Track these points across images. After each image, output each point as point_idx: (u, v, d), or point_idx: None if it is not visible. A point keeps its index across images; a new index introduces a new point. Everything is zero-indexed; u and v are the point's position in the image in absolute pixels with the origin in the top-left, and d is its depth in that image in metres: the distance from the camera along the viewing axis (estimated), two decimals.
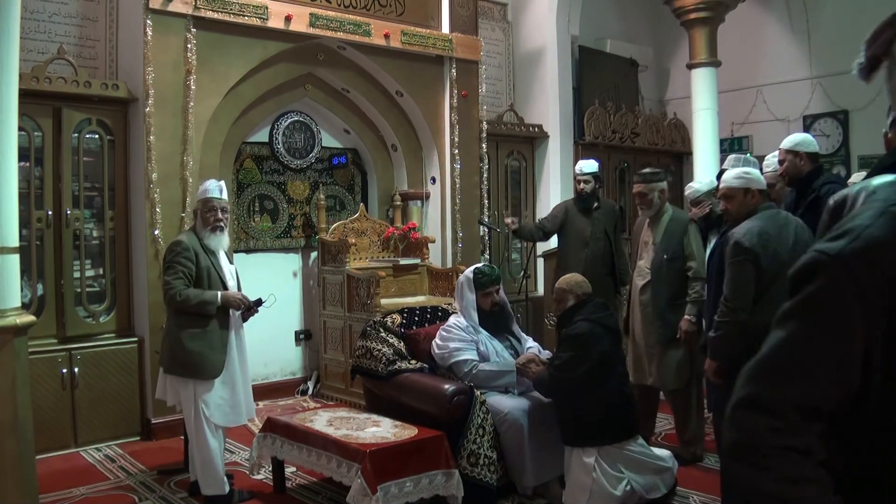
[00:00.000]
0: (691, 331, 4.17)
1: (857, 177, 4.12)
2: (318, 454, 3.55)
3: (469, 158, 6.57)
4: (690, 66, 7.14)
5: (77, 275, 4.86)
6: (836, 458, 1.04)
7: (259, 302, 3.85)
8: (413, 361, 4.10)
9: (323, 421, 3.81)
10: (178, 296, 3.61)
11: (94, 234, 5.00)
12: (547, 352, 4.14)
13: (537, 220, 5.81)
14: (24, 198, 4.30)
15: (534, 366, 3.84)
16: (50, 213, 4.73)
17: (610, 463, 3.48)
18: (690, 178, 6.84)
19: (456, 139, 6.45)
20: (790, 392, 1.05)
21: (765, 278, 3.00)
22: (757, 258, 2.97)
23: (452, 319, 4.17)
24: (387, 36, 5.96)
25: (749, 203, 3.17)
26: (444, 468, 3.47)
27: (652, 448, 3.78)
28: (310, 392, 6.09)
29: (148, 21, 4.82)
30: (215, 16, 5.10)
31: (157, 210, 4.88)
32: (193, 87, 5.04)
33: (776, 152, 3.92)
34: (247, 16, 5.24)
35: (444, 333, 4.08)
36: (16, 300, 3.28)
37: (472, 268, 4.25)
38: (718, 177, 3.94)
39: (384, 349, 4.10)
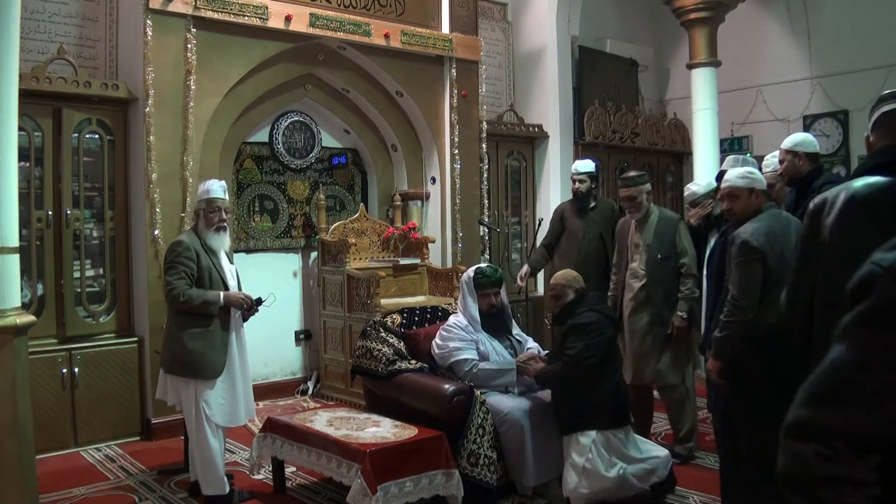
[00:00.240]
0: (683, 327, 4.24)
1: None
2: (318, 454, 3.56)
3: (469, 158, 6.57)
4: (690, 66, 7.14)
5: (77, 275, 4.86)
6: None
7: (259, 301, 3.85)
8: (413, 361, 4.10)
9: (323, 421, 3.81)
10: (181, 296, 3.61)
11: (94, 234, 5.00)
12: (547, 352, 4.15)
13: (538, 245, 5.82)
14: (24, 198, 4.30)
15: (533, 363, 3.84)
16: (50, 213, 4.73)
17: (606, 448, 3.53)
18: (690, 178, 6.84)
19: (456, 139, 6.45)
20: (838, 419, 0.96)
21: (770, 278, 2.99)
22: (765, 258, 2.97)
23: (452, 319, 4.17)
24: (387, 36, 5.96)
25: (753, 203, 3.18)
26: (444, 468, 3.47)
27: (645, 441, 3.84)
28: (310, 392, 6.09)
29: (148, 21, 4.82)
30: (215, 16, 5.10)
31: (157, 210, 4.88)
32: (193, 87, 5.04)
33: (776, 152, 3.91)
34: (247, 16, 5.24)
35: (444, 333, 4.08)
36: (16, 300, 3.28)
37: (473, 268, 4.25)
38: (718, 178, 3.94)
39: (384, 349, 4.10)
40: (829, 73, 7.79)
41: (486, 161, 6.78)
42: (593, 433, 3.54)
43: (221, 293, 3.73)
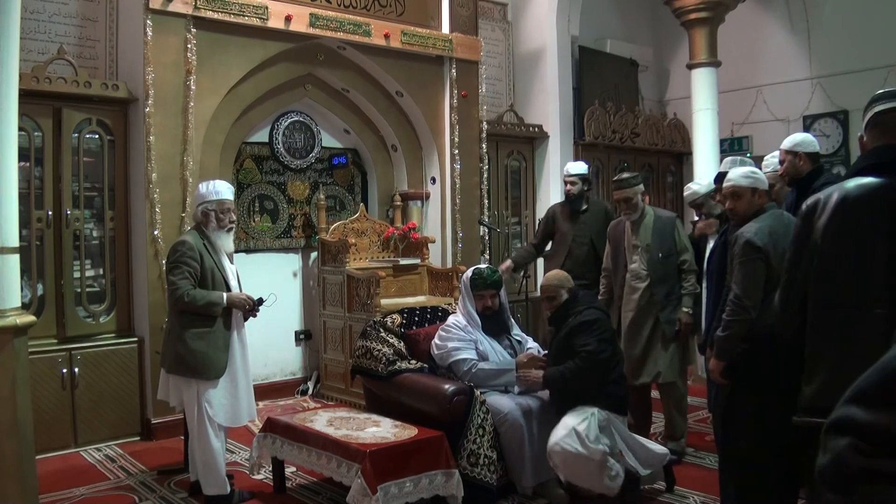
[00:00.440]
0: (690, 323, 4.30)
1: None
2: (318, 454, 3.56)
3: (469, 158, 6.57)
4: (690, 66, 7.14)
5: (77, 275, 4.86)
6: None
7: (260, 301, 3.86)
8: (413, 361, 4.10)
9: (323, 421, 3.81)
10: (185, 296, 3.61)
11: (94, 234, 5.00)
12: (545, 352, 4.14)
13: (526, 243, 5.83)
14: (24, 198, 4.30)
15: (534, 372, 3.80)
16: (50, 213, 4.73)
17: (603, 426, 3.56)
18: (690, 179, 6.84)
19: (456, 139, 6.45)
20: (888, 420, 0.90)
21: (773, 278, 2.99)
22: (768, 257, 2.97)
23: (451, 319, 4.17)
24: (387, 36, 5.96)
25: (756, 203, 3.18)
26: (444, 468, 3.47)
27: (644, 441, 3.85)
28: (310, 392, 6.10)
29: (148, 21, 4.82)
30: (215, 16, 5.11)
31: (157, 210, 4.88)
32: (193, 87, 5.04)
33: (776, 152, 3.91)
34: (247, 16, 5.25)
35: (443, 333, 4.08)
36: (16, 300, 3.28)
37: (472, 269, 4.25)
38: (716, 180, 3.94)
39: (384, 349, 4.10)
40: (829, 73, 7.79)
41: (486, 161, 6.78)
42: (595, 409, 3.57)
43: (224, 294, 3.73)
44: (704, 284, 4.18)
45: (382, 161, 6.63)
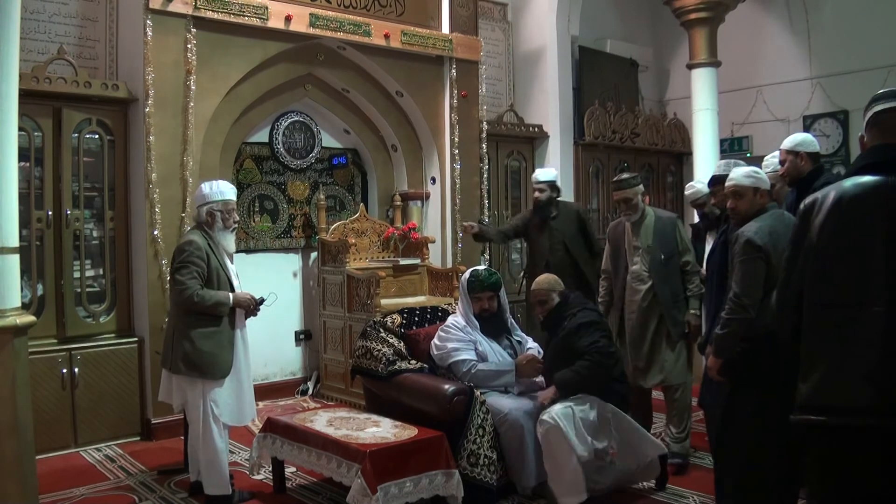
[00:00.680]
0: (698, 325, 4.24)
1: None
2: (318, 454, 3.56)
3: (469, 158, 6.57)
4: (690, 67, 7.14)
5: (77, 275, 4.86)
6: None
7: (261, 301, 3.87)
8: (413, 361, 4.09)
9: (323, 421, 3.81)
10: (194, 296, 3.61)
11: (94, 234, 5.00)
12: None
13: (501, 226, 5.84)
14: (24, 198, 4.30)
15: (542, 394, 3.75)
16: (50, 213, 4.73)
17: (598, 417, 3.58)
18: (690, 179, 6.84)
19: (456, 139, 6.45)
20: None
21: (773, 278, 2.99)
22: (768, 257, 2.97)
23: (451, 319, 4.17)
24: (387, 36, 5.96)
25: (758, 202, 3.18)
26: (444, 468, 3.47)
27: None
28: (310, 392, 6.10)
29: (148, 21, 4.82)
30: (215, 16, 5.10)
31: (157, 210, 4.88)
32: (193, 88, 5.04)
33: (776, 153, 3.91)
34: (247, 16, 5.25)
35: (443, 334, 4.08)
36: (16, 300, 3.27)
37: (470, 270, 4.24)
38: (710, 183, 3.92)
39: (384, 349, 4.10)
40: (829, 73, 7.79)
41: (486, 161, 6.78)
42: (599, 399, 3.63)
43: (230, 294, 3.74)
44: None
45: (382, 161, 6.63)
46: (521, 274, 5.87)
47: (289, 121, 6.16)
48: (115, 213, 5.02)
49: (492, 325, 4.11)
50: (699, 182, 5.07)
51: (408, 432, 3.57)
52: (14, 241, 3.26)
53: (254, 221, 6.08)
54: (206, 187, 3.86)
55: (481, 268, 4.35)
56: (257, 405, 4.56)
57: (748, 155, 8.25)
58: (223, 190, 3.86)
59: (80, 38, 5.16)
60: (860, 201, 2.01)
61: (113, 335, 4.97)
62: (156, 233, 4.88)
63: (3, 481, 3.15)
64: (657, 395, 4.66)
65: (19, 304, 3.31)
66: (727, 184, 3.31)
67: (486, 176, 6.76)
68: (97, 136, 4.97)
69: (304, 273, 6.34)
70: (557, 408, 3.52)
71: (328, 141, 6.50)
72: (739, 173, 3.24)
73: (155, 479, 4.15)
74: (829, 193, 2.07)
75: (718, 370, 3.11)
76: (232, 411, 3.76)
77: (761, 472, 3.02)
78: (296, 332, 6.28)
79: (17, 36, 3.27)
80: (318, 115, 6.35)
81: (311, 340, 6.30)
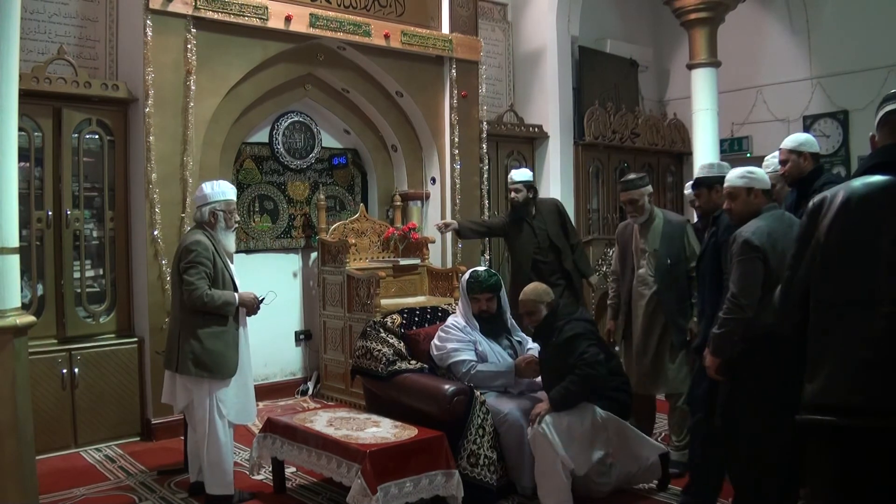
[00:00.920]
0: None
1: None
2: (318, 454, 3.56)
3: (469, 158, 6.57)
4: (690, 67, 7.14)
5: (77, 275, 4.86)
6: None
7: (261, 300, 3.87)
8: (413, 362, 4.10)
9: (323, 421, 3.81)
10: (204, 297, 3.62)
11: (94, 234, 5.00)
12: None
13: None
14: (24, 198, 4.30)
15: (539, 406, 3.67)
16: (50, 213, 4.73)
17: (602, 427, 3.56)
18: (690, 179, 6.82)
19: (456, 139, 6.45)
20: None
21: (771, 278, 3.00)
22: (766, 257, 2.97)
23: (451, 320, 4.17)
24: (387, 36, 5.96)
25: (752, 203, 3.17)
26: (444, 468, 3.47)
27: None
28: (310, 392, 6.10)
29: (148, 21, 4.82)
30: (215, 16, 5.10)
31: (157, 210, 4.88)
32: (193, 88, 5.04)
33: (776, 152, 3.91)
34: (247, 16, 5.25)
35: (443, 334, 4.08)
36: (16, 300, 3.27)
37: (470, 271, 4.23)
38: (693, 186, 3.88)
39: (384, 349, 4.10)
40: (829, 73, 7.79)
41: (486, 161, 6.78)
42: (596, 406, 3.60)
43: (236, 294, 3.76)
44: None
45: (382, 161, 6.63)
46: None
47: (289, 121, 6.16)
48: (115, 213, 5.02)
49: (492, 325, 4.11)
50: None
51: (408, 432, 3.57)
52: (14, 241, 3.26)
53: (254, 221, 6.08)
54: (207, 187, 3.86)
55: (481, 268, 4.34)
56: (257, 405, 4.56)
57: (748, 155, 8.25)
58: (224, 190, 3.87)
59: (80, 38, 5.16)
60: (869, 201, 2.00)
61: (113, 335, 4.97)
62: (156, 233, 4.88)
63: (3, 481, 3.15)
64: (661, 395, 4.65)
65: (19, 305, 3.31)
66: (725, 185, 3.31)
67: (486, 176, 6.76)
68: (97, 136, 4.97)
69: (304, 273, 6.34)
70: (548, 417, 3.50)
71: (328, 141, 6.50)
72: (733, 174, 3.24)
73: (155, 479, 4.15)
74: (838, 192, 2.07)
75: (717, 369, 3.11)
76: (237, 410, 3.78)
77: (761, 471, 3.02)
78: (296, 333, 6.28)
79: (17, 36, 3.26)
80: (318, 115, 6.35)
81: (311, 340, 6.30)
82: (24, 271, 4.36)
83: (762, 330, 2.99)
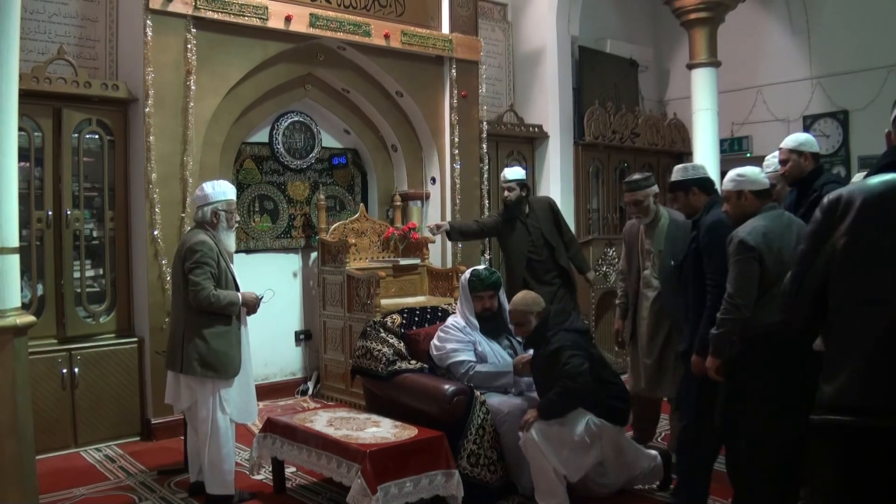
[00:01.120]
0: None
1: (857, 177, 4.11)
2: (318, 454, 3.56)
3: (469, 158, 6.57)
4: (690, 67, 7.14)
5: (77, 275, 4.86)
6: None
7: (261, 298, 3.88)
8: (413, 361, 4.10)
9: (323, 421, 3.81)
10: (211, 297, 3.62)
11: (94, 234, 5.00)
12: None
13: (474, 220, 5.75)
14: (24, 198, 4.30)
15: (528, 413, 3.65)
16: (50, 213, 4.73)
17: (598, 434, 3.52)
18: None
19: (456, 139, 6.45)
20: None
21: (767, 278, 3.01)
22: (761, 256, 2.99)
23: (450, 320, 4.17)
24: (387, 36, 5.96)
25: (743, 205, 3.19)
26: (444, 468, 3.47)
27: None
28: (310, 392, 6.10)
29: (148, 21, 4.82)
30: (215, 16, 5.10)
31: (157, 210, 4.88)
32: (193, 88, 5.04)
33: (776, 152, 3.91)
34: (247, 16, 5.25)
35: (442, 334, 4.08)
36: (16, 300, 3.27)
37: (470, 270, 4.24)
38: (669, 189, 3.82)
39: (384, 349, 4.10)
40: (829, 73, 7.79)
41: (486, 161, 6.78)
42: (591, 415, 3.53)
43: (239, 294, 3.76)
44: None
45: (382, 161, 6.63)
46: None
47: (289, 121, 6.16)
48: (115, 213, 5.01)
49: (493, 324, 4.11)
50: None
51: (408, 432, 3.57)
52: (14, 241, 3.26)
53: (254, 221, 6.08)
54: (208, 187, 3.86)
55: (481, 267, 4.36)
56: (258, 405, 4.56)
57: (748, 155, 8.25)
58: (225, 190, 3.88)
59: (80, 38, 5.16)
60: (887, 199, 2.00)
61: (113, 335, 4.97)
62: (156, 233, 4.88)
63: (3, 481, 3.15)
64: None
65: (19, 305, 3.31)
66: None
67: (486, 176, 6.76)
68: (97, 136, 4.97)
69: (304, 273, 6.34)
70: (536, 425, 3.50)
71: (328, 141, 6.49)
72: (727, 177, 3.28)
73: (155, 479, 4.15)
74: (856, 190, 2.07)
75: (716, 369, 3.12)
76: (240, 409, 3.79)
77: (761, 471, 3.02)
78: (296, 333, 6.28)
79: (17, 36, 3.26)
80: (318, 115, 6.35)
81: (311, 340, 6.30)
82: (24, 271, 4.36)
83: (761, 330, 3.00)
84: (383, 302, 5.54)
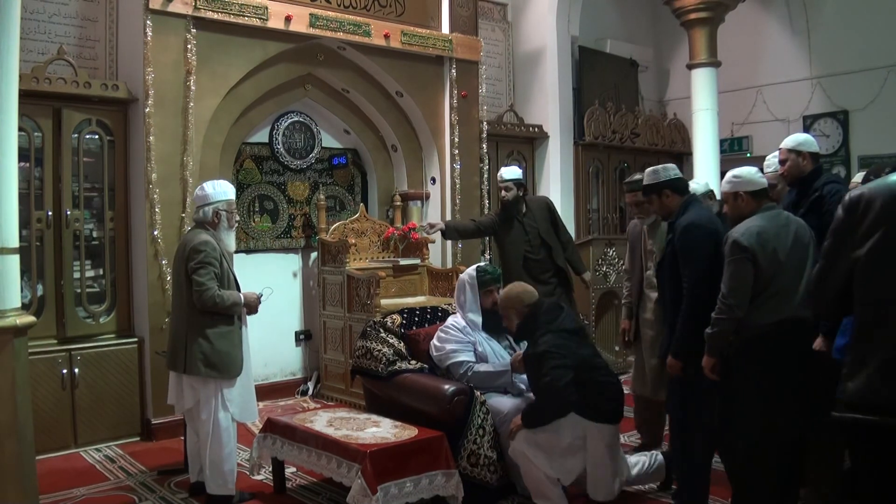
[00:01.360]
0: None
1: (858, 177, 4.11)
2: (318, 455, 3.56)
3: (469, 158, 6.57)
4: (690, 67, 7.15)
5: (77, 275, 4.86)
6: None
7: (260, 296, 3.89)
8: (413, 362, 4.10)
9: (323, 421, 3.81)
10: (216, 297, 3.62)
11: (94, 234, 5.00)
12: None
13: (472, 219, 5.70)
14: (24, 198, 4.30)
15: (514, 420, 3.61)
16: (50, 213, 4.73)
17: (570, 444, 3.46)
18: (690, 179, 6.83)
19: (456, 139, 6.45)
20: None
21: (762, 278, 3.01)
22: (755, 257, 3.00)
23: (450, 320, 4.17)
24: (387, 36, 5.96)
25: (739, 206, 3.21)
26: (444, 468, 3.47)
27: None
28: (310, 392, 6.09)
29: (148, 21, 4.82)
30: (215, 16, 5.10)
31: (157, 210, 4.88)
32: (193, 88, 5.04)
33: (777, 152, 3.91)
34: (247, 16, 5.25)
35: (442, 335, 4.08)
36: (16, 300, 3.27)
37: (474, 267, 4.25)
38: (644, 193, 3.77)
39: (384, 349, 4.10)
40: (829, 73, 7.80)
41: (486, 161, 6.78)
42: (576, 418, 3.45)
43: (241, 294, 3.77)
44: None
45: (382, 161, 6.63)
46: None
47: (289, 121, 6.16)
48: (115, 214, 5.01)
49: (497, 318, 4.08)
50: (695, 182, 5.02)
51: (408, 432, 3.57)
52: (14, 242, 3.26)
53: (254, 221, 6.08)
54: (209, 187, 3.85)
55: (483, 264, 4.40)
56: (258, 405, 4.57)
57: (748, 155, 8.26)
58: (226, 190, 3.88)
59: (80, 38, 5.16)
60: None
61: (113, 335, 4.97)
62: (156, 233, 4.88)
63: (3, 481, 3.15)
64: None
65: (19, 305, 3.31)
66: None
67: (486, 176, 6.76)
68: (97, 137, 4.97)
69: (304, 273, 6.34)
70: (521, 433, 3.48)
71: (328, 141, 6.49)
72: (724, 179, 3.29)
73: (155, 479, 4.15)
74: (876, 190, 2.08)
75: (712, 368, 3.13)
76: (242, 408, 3.79)
77: (761, 471, 3.03)
78: (296, 333, 6.28)
79: (17, 36, 3.26)
80: (318, 115, 6.35)
81: (311, 341, 6.30)
82: (24, 271, 4.36)
83: (756, 330, 3.00)
84: (383, 302, 5.54)
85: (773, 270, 3.01)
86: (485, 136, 6.72)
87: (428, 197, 6.62)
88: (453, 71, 6.44)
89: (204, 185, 3.91)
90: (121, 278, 5.03)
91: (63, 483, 4.05)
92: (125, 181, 5.05)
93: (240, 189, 5.96)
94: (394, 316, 4.49)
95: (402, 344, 4.24)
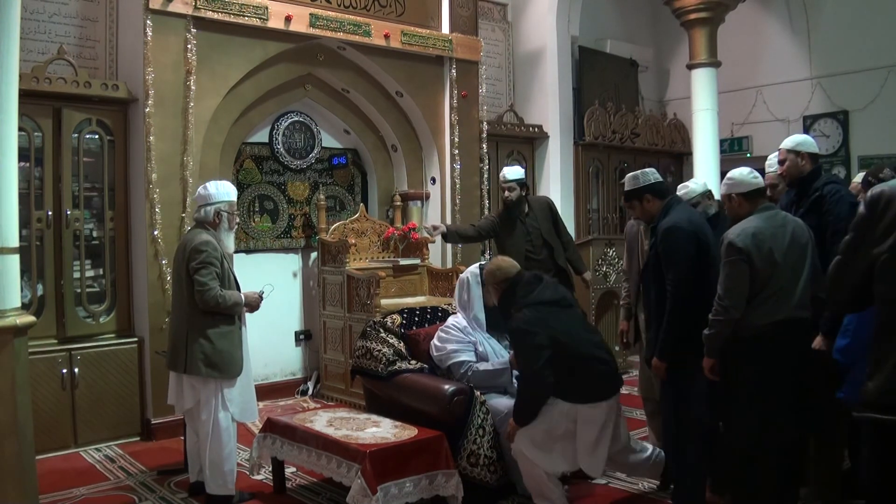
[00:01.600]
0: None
1: (858, 177, 4.11)
2: (318, 455, 3.56)
3: (469, 158, 6.57)
4: (690, 67, 7.15)
5: (77, 275, 4.86)
6: None
7: (260, 294, 3.89)
8: (413, 362, 4.10)
9: (323, 421, 3.81)
10: (218, 297, 3.62)
11: (94, 234, 5.00)
12: None
13: (471, 224, 5.68)
14: (24, 198, 4.30)
15: (506, 430, 3.58)
16: (50, 213, 4.73)
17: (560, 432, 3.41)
18: (689, 179, 6.83)
19: (456, 139, 6.45)
20: None
21: (758, 278, 3.02)
22: (750, 258, 3.00)
23: (451, 320, 4.17)
24: (387, 36, 5.96)
25: (734, 208, 3.24)
26: (444, 468, 3.47)
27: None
28: (310, 392, 6.10)
29: (148, 21, 4.82)
30: (215, 16, 5.11)
31: (157, 210, 4.88)
32: (193, 88, 5.04)
33: (776, 153, 3.91)
34: (247, 16, 5.25)
35: (443, 335, 4.08)
36: (16, 300, 3.27)
37: (477, 265, 4.25)
38: (625, 199, 3.75)
39: (384, 349, 4.10)
40: (829, 73, 7.80)
41: (486, 161, 6.78)
42: (559, 403, 3.38)
43: (242, 294, 3.77)
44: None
45: (382, 161, 6.63)
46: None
47: (289, 121, 6.16)
48: (115, 213, 5.01)
49: (500, 316, 4.06)
50: (693, 182, 5.02)
51: (408, 432, 3.57)
52: (14, 241, 3.26)
53: (254, 221, 6.08)
54: (211, 187, 3.85)
55: (483, 262, 4.38)
56: (258, 405, 4.57)
57: (748, 155, 8.26)
58: (228, 190, 3.88)
59: (80, 38, 5.16)
60: None
61: (113, 335, 4.97)
62: (156, 233, 4.88)
63: (3, 481, 3.15)
64: None
65: (19, 305, 3.31)
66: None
67: (486, 176, 6.76)
68: (97, 136, 4.97)
69: (304, 273, 6.35)
70: (520, 434, 3.46)
71: (328, 141, 6.50)
72: (723, 182, 3.31)
73: (155, 479, 4.15)
74: None
75: (710, 369, 3.14)
76: (242, 408, 3.79)
77: (761, 472, 3.03)
78: (296, 333, 6.28)
79: (17, 36, 3.26)
80: (318, 115, 6.35)
81: (311, 341, 6.30)
82: (24, 271, 4.36)
83: (754, 331, 3.01)
84: (383, 302, 5.54)
85: (769, 271, 3.02)
86: (485, 136, 6.72)
87: (428, 197, 6.62)
88: (453, 71, 6.44)
89: (207, 184, 3.91)
90: (121, 278, 5.03)
91: (63, 483, 4.05)
92: (125, 181, 5.05)
93: (240, 189, 5.96)
94: (394, 316, 4.49)
95: (402, 344, 4.24)
